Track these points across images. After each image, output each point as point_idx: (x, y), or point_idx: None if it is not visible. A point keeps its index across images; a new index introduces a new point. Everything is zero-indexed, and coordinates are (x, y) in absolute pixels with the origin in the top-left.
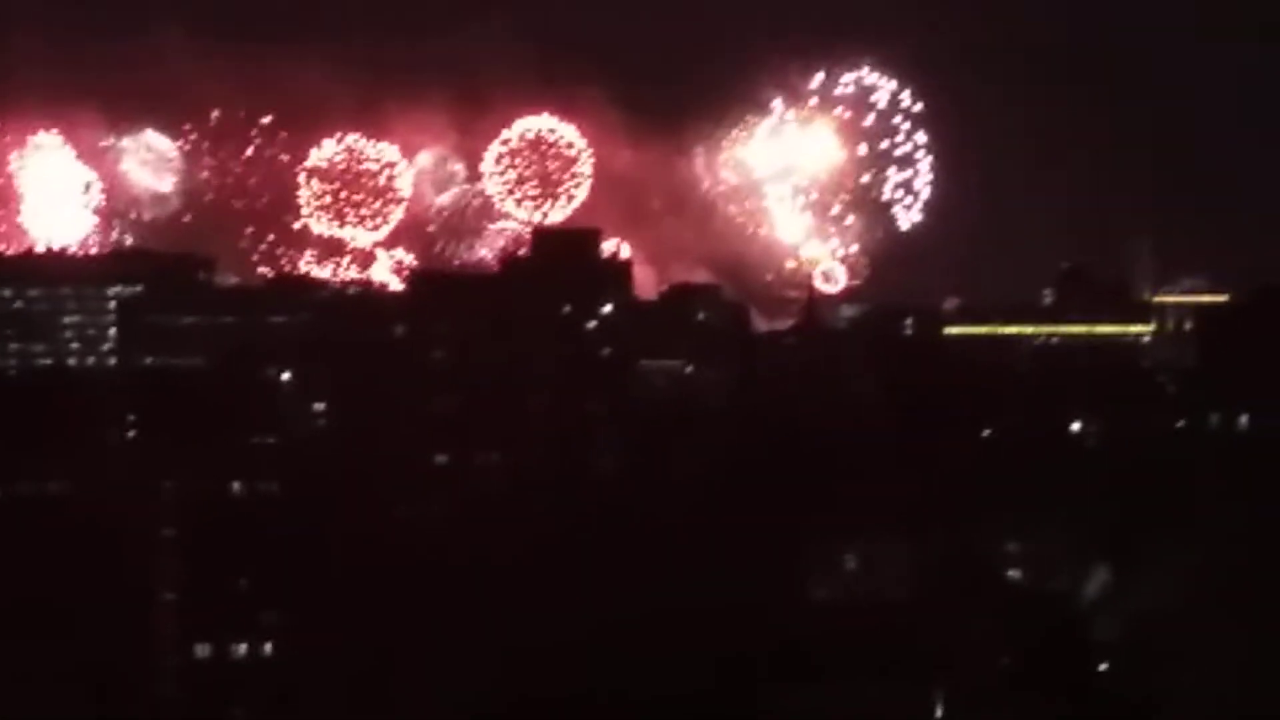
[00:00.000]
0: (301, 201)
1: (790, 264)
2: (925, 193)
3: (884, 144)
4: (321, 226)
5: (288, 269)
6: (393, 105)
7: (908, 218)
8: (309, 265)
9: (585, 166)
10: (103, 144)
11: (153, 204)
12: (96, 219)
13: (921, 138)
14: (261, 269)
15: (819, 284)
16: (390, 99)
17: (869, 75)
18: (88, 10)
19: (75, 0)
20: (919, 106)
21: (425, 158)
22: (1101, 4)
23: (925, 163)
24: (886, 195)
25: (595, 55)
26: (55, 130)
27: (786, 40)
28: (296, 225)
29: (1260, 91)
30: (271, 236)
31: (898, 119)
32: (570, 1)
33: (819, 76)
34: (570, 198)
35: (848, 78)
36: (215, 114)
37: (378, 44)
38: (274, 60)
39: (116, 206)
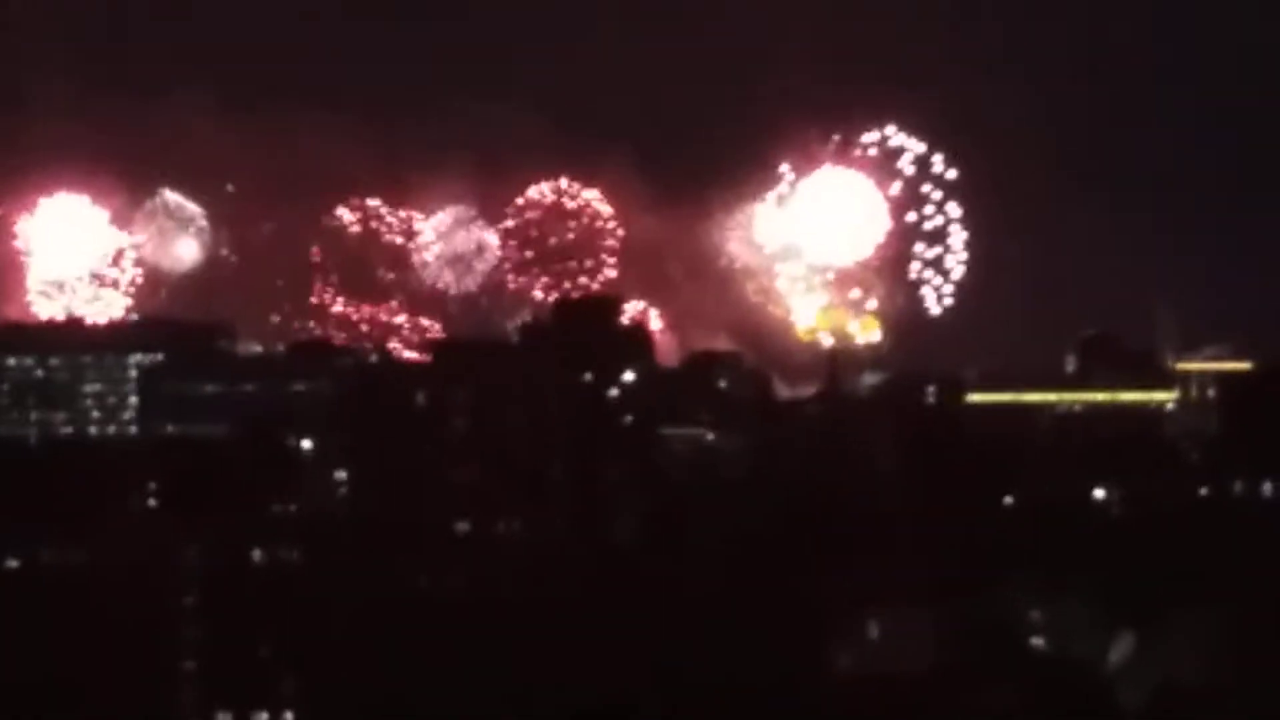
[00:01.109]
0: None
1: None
2: (957, 271)
3: (911, 215)
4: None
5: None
6: (412, 177)
7: (937, 298)
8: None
9: (609, 239)
10: (123, 209)
11: (177, 271)
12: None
13: (954, 209)
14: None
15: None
16: (408, 170)
17: (894, 135)
18: (101, 74)
19: (86, 62)
20: (953, 173)
21: (443, 218)
22: (1144, 60)
23: (958, 238)
24: (914, 274)
25: (613, 120)
26: (83, 194)
27: (808, 100)
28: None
29: None
30: (288, 308)
31: (927, 187)
32: (587, 68)
33: (834, 139)
34: (595, 270)
35: (869, 138)
36: (230, 186)
37: (396, 115)
38: (293, 129)
39: (144, 273)
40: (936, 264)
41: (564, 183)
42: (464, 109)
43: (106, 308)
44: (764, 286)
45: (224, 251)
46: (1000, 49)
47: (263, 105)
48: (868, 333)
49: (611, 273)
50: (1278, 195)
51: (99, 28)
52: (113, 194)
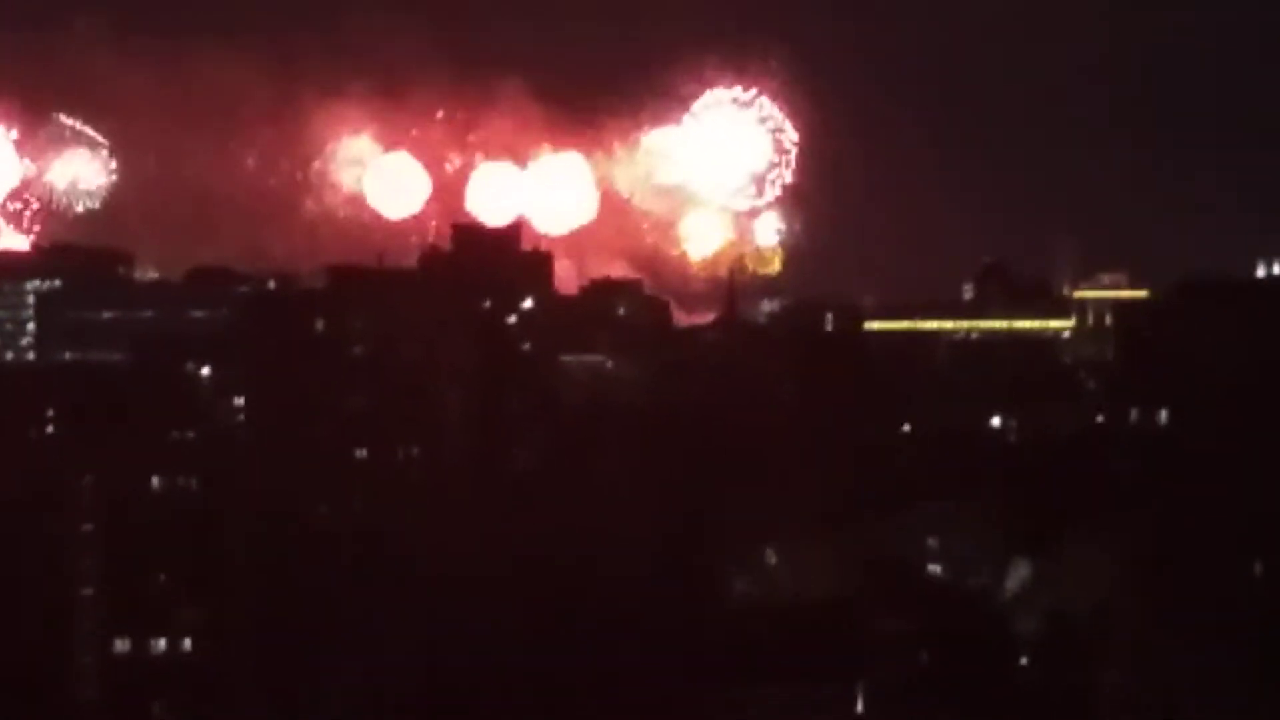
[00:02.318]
0: None
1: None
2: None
3: (789, 143)
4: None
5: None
6: (310, 100)
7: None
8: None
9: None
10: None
11: (79, 197)
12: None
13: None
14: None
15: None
16: (307, 93)
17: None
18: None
19: None
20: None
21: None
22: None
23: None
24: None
25: (509, 46)
26: None
27: (706, 36)
28: None
29: (1181, 84)
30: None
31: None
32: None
33: (726, 85)
34: None
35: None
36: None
37: (292, 38)
38: (192, 54)
39: (41, 198)
40: (825, 194)
41: None
42: (360, 33)
43: (5, 235)
44: (661, 219)
45: (120, 178)
46: None
47: (161, 32)
48: (766, 267)
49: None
50: (1174, 123)
51: None
52: (10, 120)
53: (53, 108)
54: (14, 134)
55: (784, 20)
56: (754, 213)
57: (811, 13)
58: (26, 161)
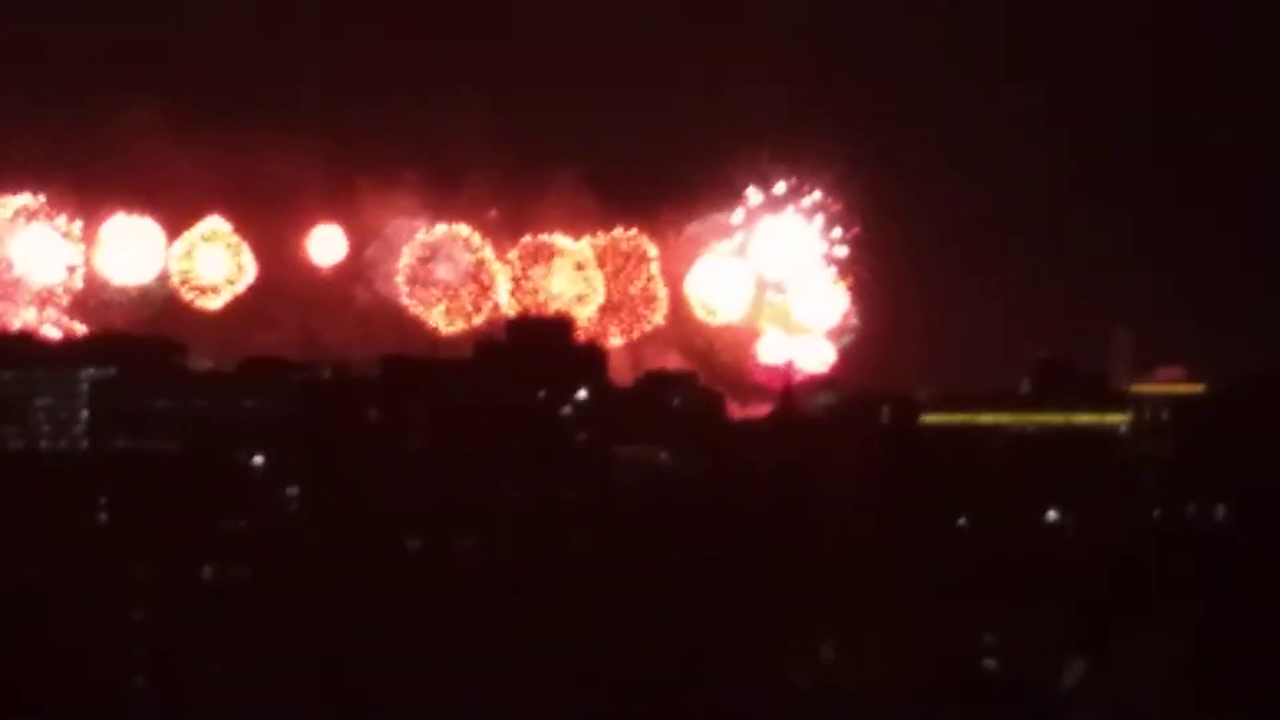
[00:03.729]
0: None
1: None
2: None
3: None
4: None
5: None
6: (366, 189)
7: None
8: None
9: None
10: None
11: (131, 289)
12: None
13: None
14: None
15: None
16: (363, 182)
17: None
18: (52, 89)
19: (38, 77)
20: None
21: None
22: (1089, 98)
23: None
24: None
25: (565, 136)
26: (40, 210)
27: (762, 132)
28: None
29: (1239, 182)
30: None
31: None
32: (545, 86)
33: (783, 181)
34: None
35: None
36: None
37: (346, 128)
38: (246, 145)
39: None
40: (880, 286)
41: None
42: (416, 120)
43: (59, 321)
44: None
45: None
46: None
47: (215, 120)
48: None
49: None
50: (1230, 218)
51: (49, 38)
52: (64, 206)
53: (106, 196)
54: (64, 223)
55: (839, 110)
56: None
57: (866, 102)
58: (80, 248)
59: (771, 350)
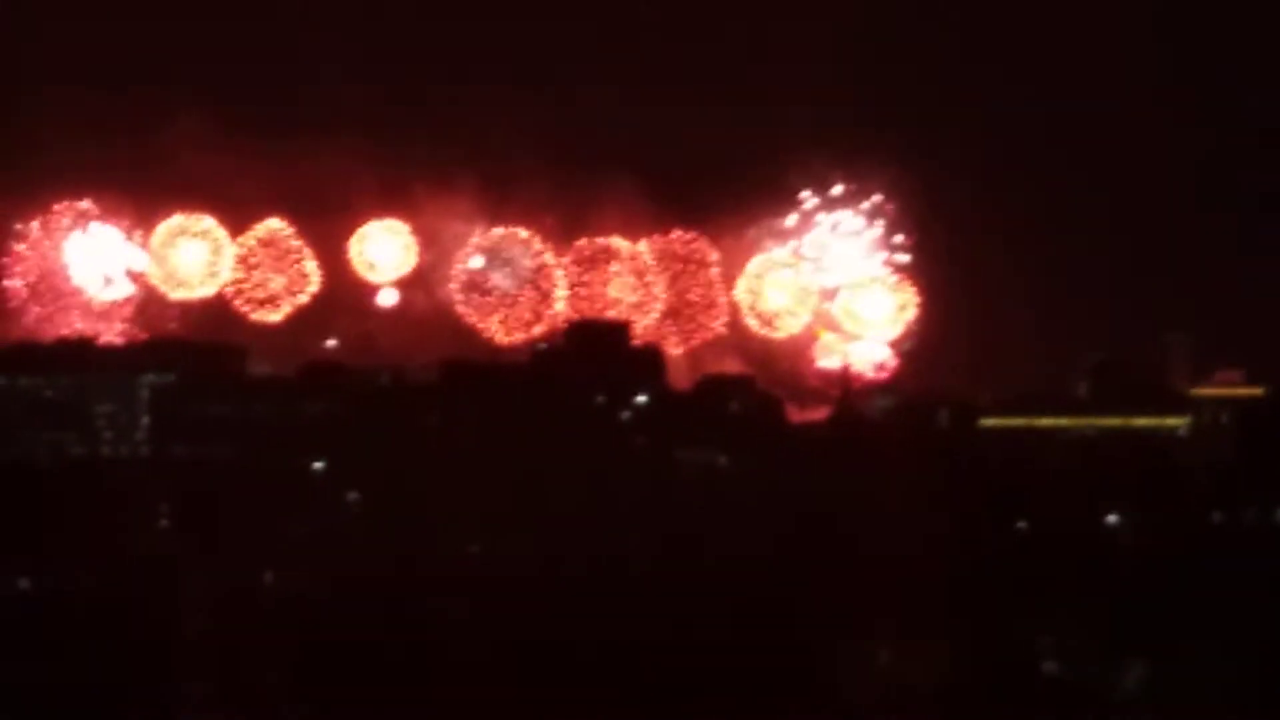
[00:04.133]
0: None
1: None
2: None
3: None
4: None
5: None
6: (422, 194)
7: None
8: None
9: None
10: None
11: (192, 287)
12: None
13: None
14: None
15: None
16: (419, 187)
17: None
18: (108, 99)
19: (91, 87)
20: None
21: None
22: (1143, 95)
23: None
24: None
25: (622, 138)
26: (97, 215)
27: (819, 134)
28: None
29: None
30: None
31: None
32: (601, 91)
33: (840, 184)
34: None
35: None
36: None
37: (405, 131)
38: (298, 152)
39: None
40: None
41: None
42: (471, 124)
43: (119, 327)
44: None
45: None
46: (1001, 74)
47: (270, 127)
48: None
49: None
50: None
51: (104, 46)
52: (121, 211)
53: (164, 199)
54: (121, 230)
55: (893, 113)
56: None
57: (920, 104)
58: (139, 254)
59: (829, 354)
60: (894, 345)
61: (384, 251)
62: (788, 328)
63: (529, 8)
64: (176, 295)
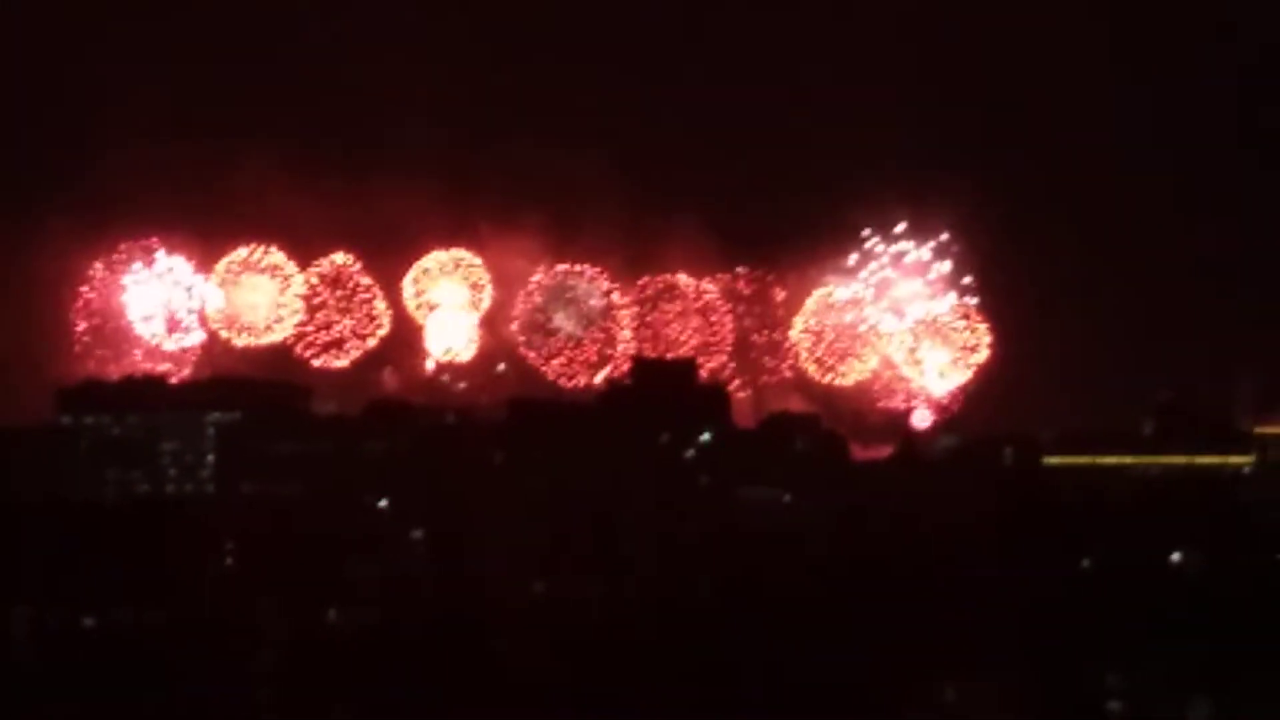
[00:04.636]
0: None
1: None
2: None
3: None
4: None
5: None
6: (487, 231)
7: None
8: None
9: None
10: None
11: (258, 333)
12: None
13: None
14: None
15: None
16: (483, 225)
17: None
18: (169, 135)
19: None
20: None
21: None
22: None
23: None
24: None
25: (685, 181)
26: (163, 252)
27: (882, 174)
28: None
29: None
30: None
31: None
32: (663, 128)
33: (904, 223)
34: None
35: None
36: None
37: (469, 171)
38: (365, 191)
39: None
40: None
41: None
42: (536, 163)
43: (185, 366)
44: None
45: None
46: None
47: (336, 166)
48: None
49: (682, 331)
50: None
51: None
52: (189, 248)
53: (230, 235)
54: (187, 266)
55: (957, 154)
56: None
57: (984, 147)
58: (206, 288)
59: (892, 395)
60: (958, 385)
61: (447, 293)
62: (850, 373)
63: (594, 48)
64: (241, 342)
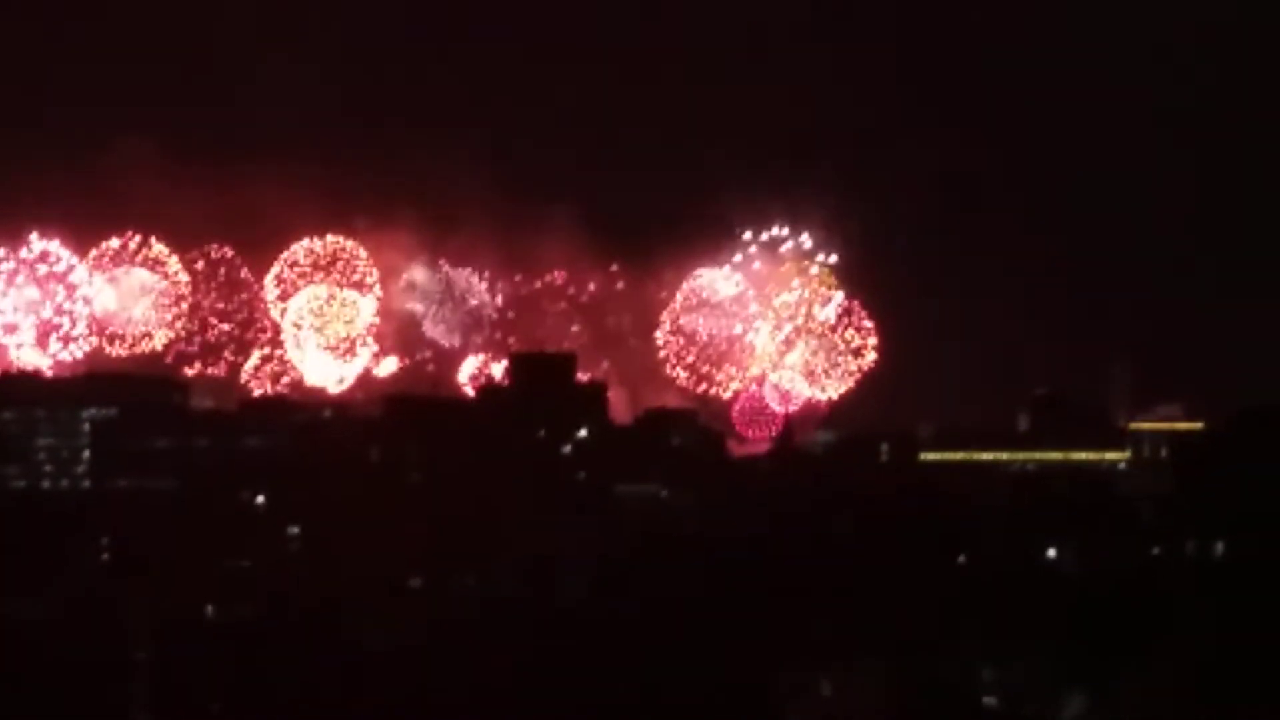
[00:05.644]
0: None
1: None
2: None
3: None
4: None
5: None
6: (362, 225)
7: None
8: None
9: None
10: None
11: (130, 328)
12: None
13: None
14: (255, 385)
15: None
16: (359, 219)
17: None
18: (40, 130)
19: (26, 118)
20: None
21: (419, 272)
22: (1072, 127)
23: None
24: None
25: (565, 176)
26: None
27: (761, 170)
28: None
29: (1238, 219)
30: (259, 358)
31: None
32: (540, 123)
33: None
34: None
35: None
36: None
37: (345, 165)
38: (240, 181)
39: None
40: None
41: None
42: (413, 161)
43: (60, 356)
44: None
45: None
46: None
47: (211, 151)
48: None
49: (561, 328)
50: (1228, 257)
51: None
52: (62, 241)
53: (105, 230)
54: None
55: (833, 151)
56: (790, 343)
57: (862, 142)
58: (86, 282)
59: (769, 389)
60: (830, 378)
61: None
62: (727, 382)
63: (474, 45)
64: (119, 352)
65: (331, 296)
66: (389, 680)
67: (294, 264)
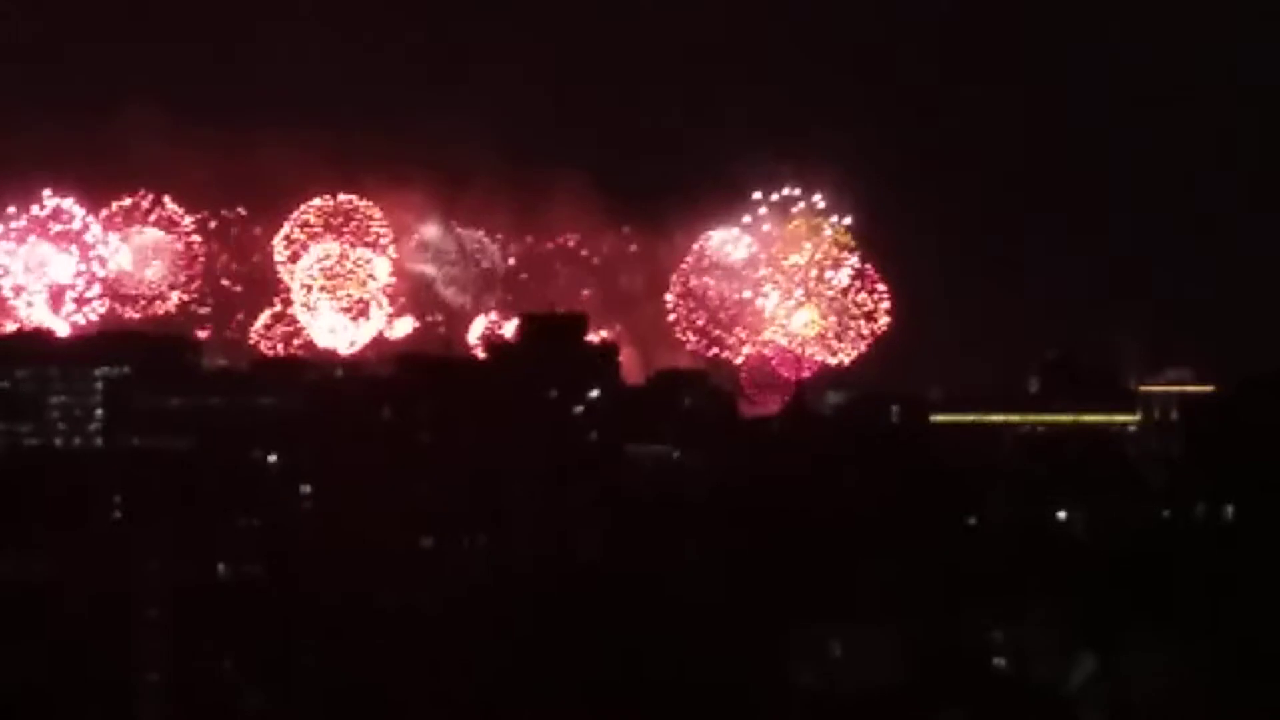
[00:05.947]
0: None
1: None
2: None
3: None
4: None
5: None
6: (373, 186)
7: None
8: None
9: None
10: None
11: (143, 289)
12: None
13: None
14: (265, 347)
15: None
16: (370, 180)
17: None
18: (53, 90)
19: (39, 78)
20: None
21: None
22: (1093, 96)
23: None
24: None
25: (577, 137)
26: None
27: (774, 130)
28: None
29: (1249, 182)
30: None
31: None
32: (551, 82)
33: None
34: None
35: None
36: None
37: (356, 128)
38: (252, 142)
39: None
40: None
41: None
42: (424, 122)
43: (74, 319)
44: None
45: (192, 265)
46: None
47: (222, 112)
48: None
49: (573, 289)
50: (1239, 220)
51: (63, 40)
52: (80, 200)
53: (117, 194)
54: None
55: (847, 115)
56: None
57: (875, 107)
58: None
59: (780, 351)
60: (842, 340)
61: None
62: (739, 348)
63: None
64: (131, 313)
65: (344, 256)
66: (400, 639)
67: (305, 224)
